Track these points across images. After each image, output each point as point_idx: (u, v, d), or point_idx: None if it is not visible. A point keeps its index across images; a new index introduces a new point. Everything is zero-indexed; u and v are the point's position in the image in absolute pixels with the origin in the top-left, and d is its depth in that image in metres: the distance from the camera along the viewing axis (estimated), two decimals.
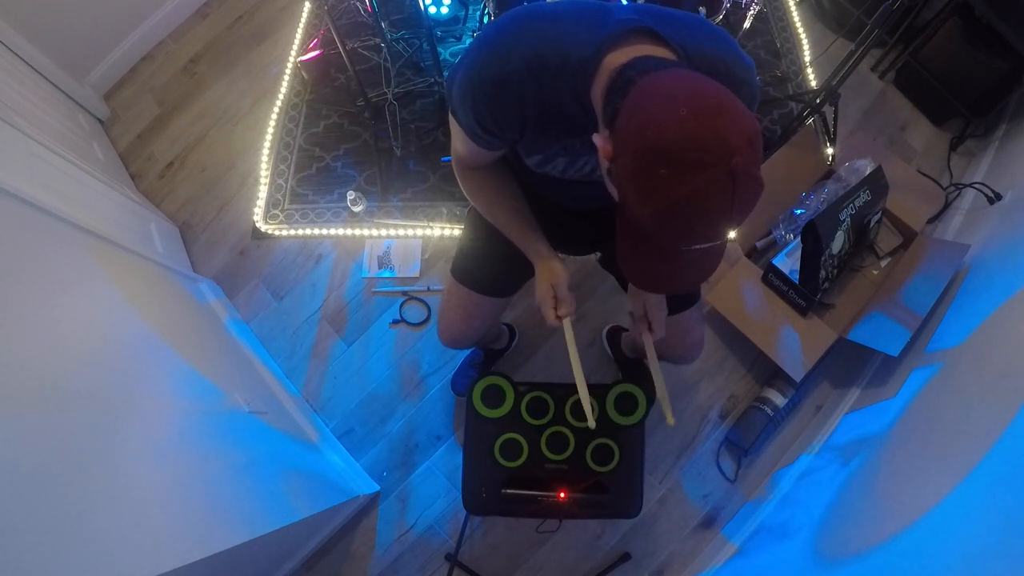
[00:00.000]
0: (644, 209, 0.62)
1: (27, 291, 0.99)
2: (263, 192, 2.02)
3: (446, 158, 2.00)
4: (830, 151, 1.95)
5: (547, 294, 1.00)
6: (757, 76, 0.79)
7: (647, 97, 0.62)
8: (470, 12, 2.16)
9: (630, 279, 0.74)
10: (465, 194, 1.03)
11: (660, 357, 1.31)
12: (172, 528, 0.92)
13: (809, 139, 1.89)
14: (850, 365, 1.75)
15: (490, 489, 1.17)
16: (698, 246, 0.65)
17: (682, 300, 1.14)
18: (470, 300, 1.16)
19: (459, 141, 0.92)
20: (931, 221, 1.89)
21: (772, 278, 1.69)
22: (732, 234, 1.87)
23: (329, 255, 1.95)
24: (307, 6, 2.30)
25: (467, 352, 1.76)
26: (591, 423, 1.01)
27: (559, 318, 1.01)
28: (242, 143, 2.11)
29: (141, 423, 1.02)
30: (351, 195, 1.93)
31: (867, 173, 1.69)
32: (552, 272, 1.00)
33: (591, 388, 1.18)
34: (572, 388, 1.19)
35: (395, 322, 1.85)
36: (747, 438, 1.64)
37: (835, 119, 1.91)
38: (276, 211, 2.00)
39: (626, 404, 1.18)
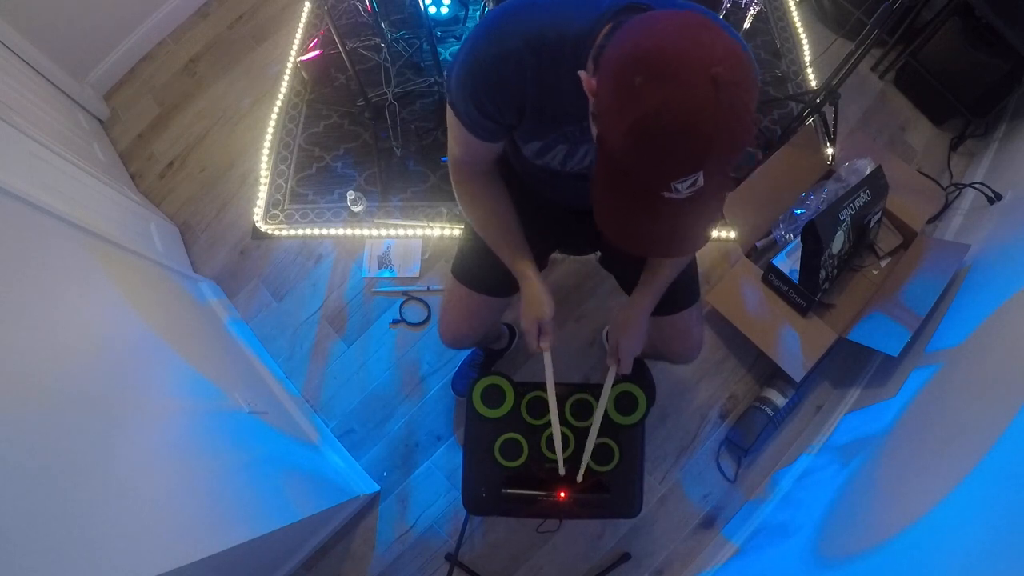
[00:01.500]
0: (618, 130, 0.57)
1: (27, 291, 0.99)
2: (263, 192, 2.02)
3: (446, 158, 1.99)
4: (830, 151, 1.95)
5: (533, 327, 1.04)
6: (758, 69, 0.79)
7: (633, 24, 0.60)
8: (470, 12, 2.16)
9: (607, 233, 0.68)
10: (460, 206, 1.03)
11: (660, 357, 1.32)
12: (172, 528, 0.92)
13: (809, 139, 1.89)
14: (850, 365, 1.75)
15: (490, 489, 1.16)
16: (679, 184, 0.58)
17: (681, 300, 1.14)
18: (471, 300, 1.16)
19: (456, 140, 0.91)
20: (931, 221, 1.89)
21: (772, 278, 1.69)
22: (732, 234, 1.87)
23: (329, 255, 1.95)
24: (307, 6, 2.30)
25: (467, 352, 1.76)
26: (560, 466, 1.11)
27: (540, 348, 1.06)
28: (242, 143, 2.11)
29: (141, 423, 1.02)
30: (351, 195, 1.93)
31: (867, 173, 1.69)
32: (539, 306, 1.03)
33: (591, 388, 1.19)
34: (573, 388, 1.19)
35: (395, 322, 1.85)
36: (747, 438, 1.64)
37: (835, 119, 1.91)
38: (276, 211, 2.00)
39: (626, 404, 1.18)
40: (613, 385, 1.18)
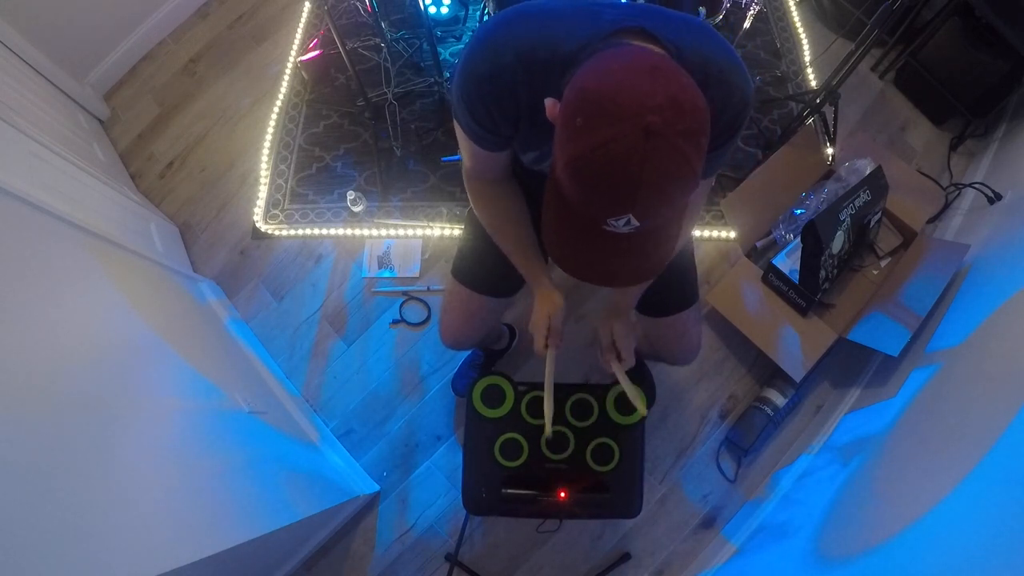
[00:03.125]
0: (560, 162, 0.60)
1: (27, 291, 0.99)
2: (263, 192, 2.02)
3: (446, 158, 2.00)
4: (830, 151, 1.95)
5: (543, 324, 1.05)
6: (752, 85, 0.78)
7: (594, 60, 0.62)
8: (470, 12, 2.16)
9: (551, 255, 0.71)
10: (477, 214, 1.04)
11: (658, 358, 1.32)
12: (172, 528, 0.92)
13: (809, 139, 1.89)
14: (850, 365, 1.75)
15: (490, 489, 1.17)
16: (614, 221, 0.60)
17: (679, 301, 1.14)
18: (471, 301, 1.16)
19: (465, 151, 0.92)
20: (931, 221, 1.89)
21: (772, 278, 1.69)
22: (732, 234, 1.87)
23: (329, 255, 1.95)
24: (307, 6, 2.30)
25: (467, 352, 1.76)
26: (547, 427, 1.09)
27: (547, 347, 1.06)
28: (242, 143, 2.11)
29: (141, 423, 1.02)
30: (351, 195, 1.93)
31: (867, 173, 1.69)
32: (552, 303, 1.04)
33: (592, 388, 1.19)
34: (572, 387, 1.20)
35: (395, 322, 1.85)
36: (747, 438, 1.64)
37: (835, 119, 1.91)
38: (276, 211, 2.00)
39: (626, 404, 1.18)
40: (613, 385, 1.18)
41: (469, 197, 1.02)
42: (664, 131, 0.54)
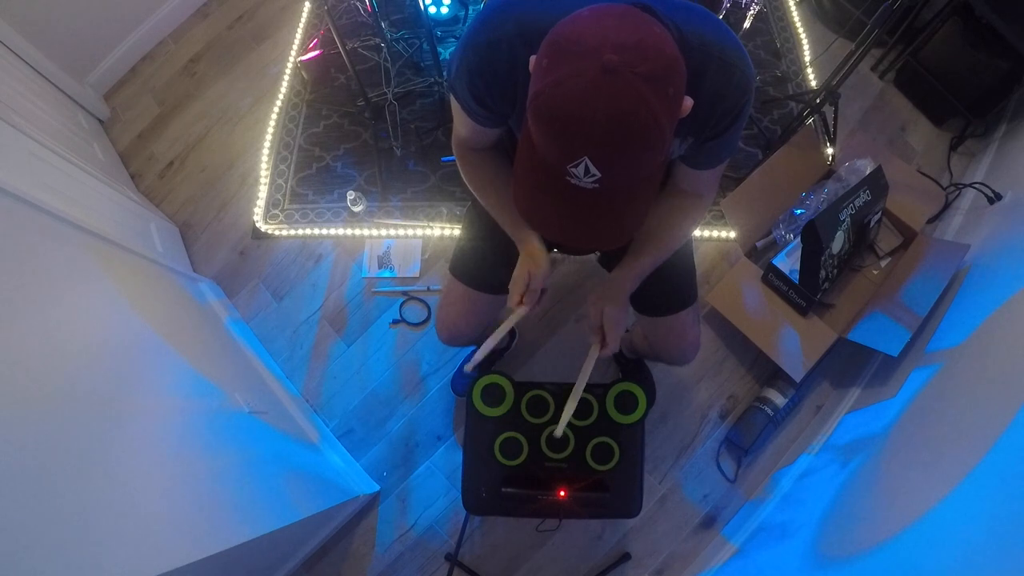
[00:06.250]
0: (528, 106, 0.60)
1: (27, 291, 0.99)
2: (263, 192, 2.02)
3: (446, 158, 2.00)
4: (830, 151, 1.95)
5: (522, 279, 0.99)
6: (754, 71, 0.78)
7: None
8: (470, 12, 2.16)
9: (518, 208, 0.71)
10: (463, 176, 1.04)
11: (657, 358, 1.32)
12: (172, 528, 0.92)
13: (809, 139, 1.89)
14: (850, 365, 1.75)
15: (490, 488, 1.17)
16: (574, 168, 0.59)
17: (678, 301, 1.14)
18: (467, 297, 1.17)
19: (459, 122, 0.93)
20: (931, 221, 1.89)
21: (772, 278, 1.69)
22: (732, 234, 1.86)
23: (329, 255, 1.95)
24: (307, 6, 2.30)
25: (467, 352, 1.76)
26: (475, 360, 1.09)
27: (520, 305, 1.00)
28: (242, 143, 2.11)
29: (141, 423, 1.02)
30: (351, 195, 1.93)
31: (867, 173, 1.69)
32: (535, 260, 0.98)
33: (591, 387, 1.19)
34: (572, 387, 1.19)
35: (395, 322, 1.85)
36: (747, 438, 1.64)
37: (835, 119, 1.91)
38: (276, 211, 2.00)
39: (626, 403, 1.18)
40: (613, 384, 1.18)
41: (458, 161, 1.02)
42: (622, 69, 0.53)
